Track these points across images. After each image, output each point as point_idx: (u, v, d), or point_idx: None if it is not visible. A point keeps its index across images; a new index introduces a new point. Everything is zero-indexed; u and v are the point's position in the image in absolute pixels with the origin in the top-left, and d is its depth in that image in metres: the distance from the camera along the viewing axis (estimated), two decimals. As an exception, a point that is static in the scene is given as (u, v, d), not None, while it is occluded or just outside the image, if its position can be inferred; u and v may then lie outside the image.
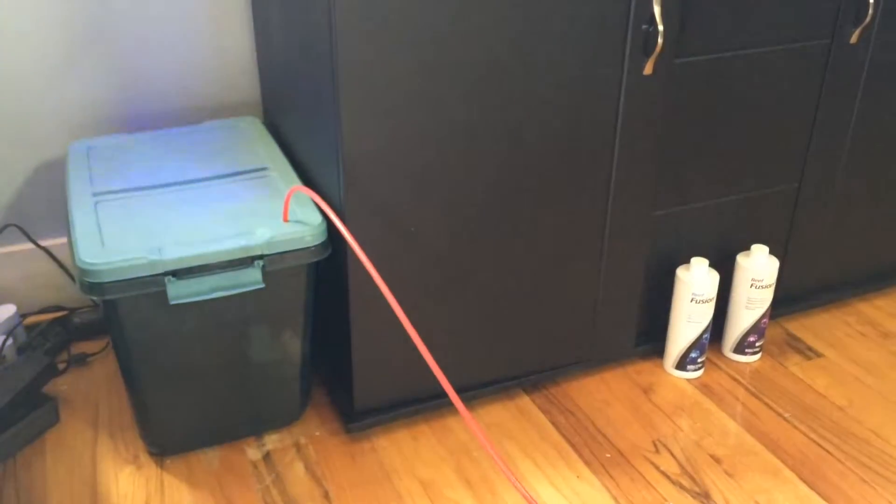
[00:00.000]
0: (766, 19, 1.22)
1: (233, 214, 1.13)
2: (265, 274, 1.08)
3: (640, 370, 1.39)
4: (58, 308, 1.48)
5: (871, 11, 1.26)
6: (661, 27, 1.11)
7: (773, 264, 1.34)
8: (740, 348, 1.40)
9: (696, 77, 1.21)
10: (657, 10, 1.11)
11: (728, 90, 1.25)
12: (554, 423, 1.27)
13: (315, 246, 1.10)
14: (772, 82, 1.27)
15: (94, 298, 1.04)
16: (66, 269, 1.48)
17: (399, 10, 0.99)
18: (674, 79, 1.19)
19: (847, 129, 1.38)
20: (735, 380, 1.37)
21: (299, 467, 1.18)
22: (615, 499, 1.14)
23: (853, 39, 1.29)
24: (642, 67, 1.14)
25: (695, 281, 1.30)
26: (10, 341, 1.32)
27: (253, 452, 1.21)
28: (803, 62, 1.28)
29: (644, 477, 1.17)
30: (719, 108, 1.25)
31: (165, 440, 1.19)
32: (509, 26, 1.05)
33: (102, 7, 1.37)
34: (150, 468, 1.18)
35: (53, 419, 1.25)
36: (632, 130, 1.19)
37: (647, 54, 1.14)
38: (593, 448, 1.23)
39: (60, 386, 1.33)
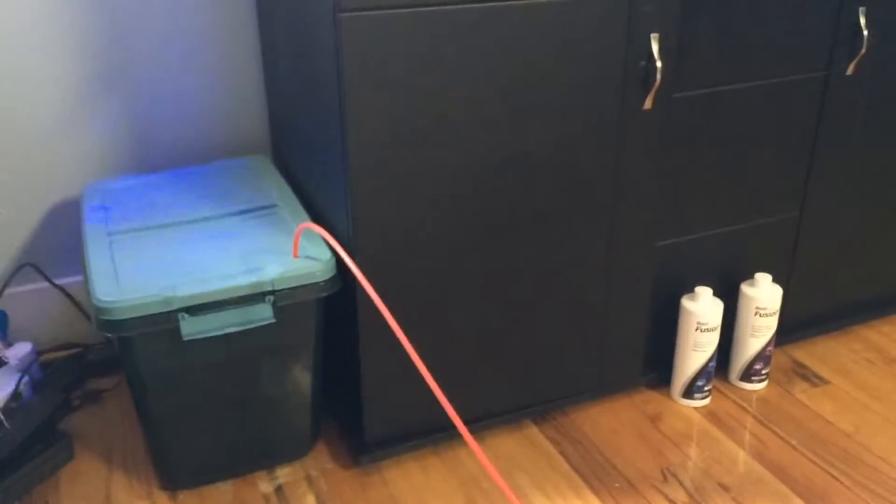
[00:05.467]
0: (763, 53, 1.25)
1: (244, 251, 1.16)
2: (276, 309, 1.10)
3: (648, 399, 1.40)
4: (72, 345, 1.50)
5: (865, 43, 1.29)
6: (658, 63, 1.14)
7: (776, 292, 1.36)
8: (746, 376, 1.41)
9: (696, 110, 1.24)
10: (655, 46, 1.13)
11: (727, 122, 1.27)
12: (562, 453, 1.28)
13: (324, 281, 1.13)
14: (770, 114, 1.29)
15: (110, 335, 1.06)
16: (81, 307, 1.50)
17: (405, 53, 1.02)
18: (673, 113, 1.21)
19: (846, 158, 1.40)
20: (742, 407, 1.37)
21: (311, 500, 1.19)
22: (624, 528, 1.14)
23: (849, 71, 1.32)
24: (642, 102, 1.17)
25: (699, 310, 1.31)
26: (26, 378, 1.34)
27: (265, 486, 1.22)
28: (801, 94, 1.31)
29: (653, 506, 1.18)
30: (719, 140, 1.28)
31: (178, 475, 1.21)
32: (511, 65, 1.08)
33: (117, 52, 1.41)
34: (164, 503, 1.19)
35: (68, 456, 1.27)
36: (633, 164, 1.21)
37: (646, 90, 1.16)
38: (602, 478, 1.23)
39: (75, 422, 1.35)
